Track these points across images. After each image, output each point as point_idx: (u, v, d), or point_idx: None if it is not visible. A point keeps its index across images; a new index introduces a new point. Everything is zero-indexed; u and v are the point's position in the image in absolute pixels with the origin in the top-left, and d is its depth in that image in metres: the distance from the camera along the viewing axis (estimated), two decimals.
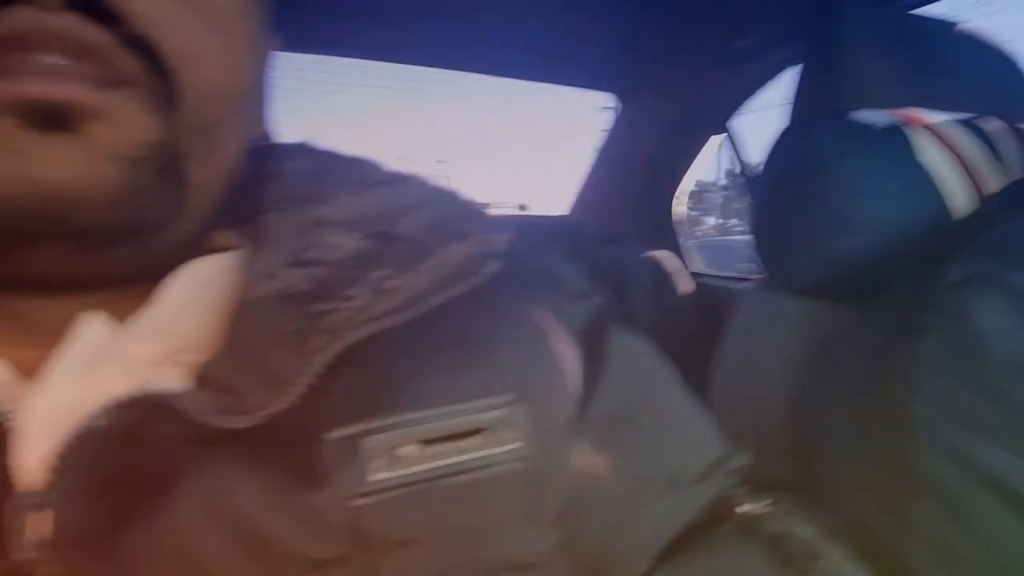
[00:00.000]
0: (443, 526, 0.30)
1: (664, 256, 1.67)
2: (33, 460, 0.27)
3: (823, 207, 0.77)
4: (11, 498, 0.26)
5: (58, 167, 0.26)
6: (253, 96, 0.37)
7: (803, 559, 0.36)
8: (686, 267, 1.66)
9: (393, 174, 0.41)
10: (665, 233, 1.75)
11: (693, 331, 1.58)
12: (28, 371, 0.30)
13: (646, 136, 1.60)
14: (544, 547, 0.32)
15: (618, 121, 1.64)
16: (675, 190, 1.69)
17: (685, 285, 1.65)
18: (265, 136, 0.42)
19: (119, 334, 0.31)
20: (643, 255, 1.66)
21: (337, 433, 0.30)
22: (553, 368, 0.36)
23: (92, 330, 0.31)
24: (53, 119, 0.26)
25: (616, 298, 1.71)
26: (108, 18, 0.27)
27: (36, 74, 0.26)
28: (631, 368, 0.40)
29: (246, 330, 0.31)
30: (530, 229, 1.72)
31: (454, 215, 0.39)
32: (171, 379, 0.30)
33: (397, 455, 0.30)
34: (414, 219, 0.37)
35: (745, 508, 0.38)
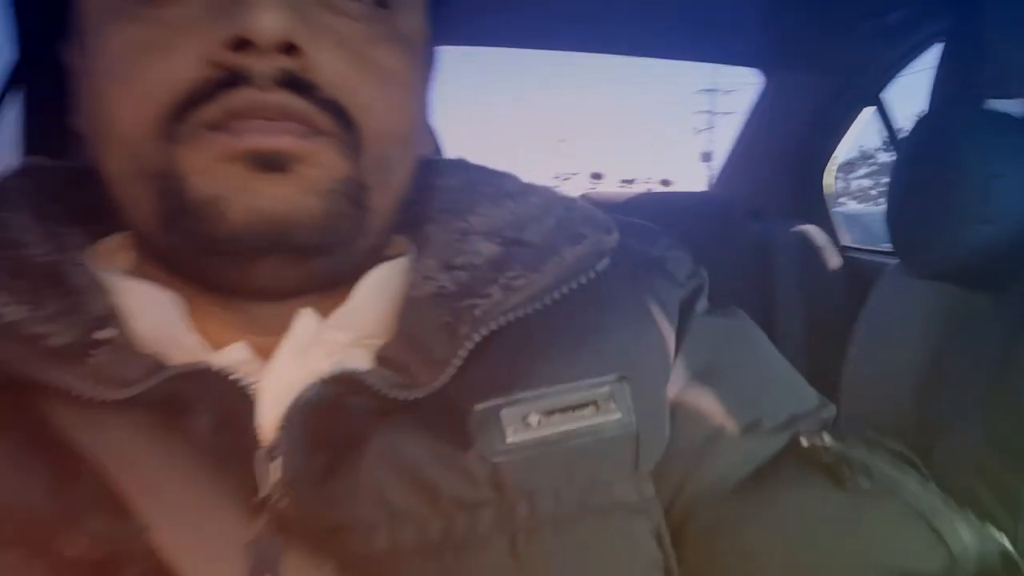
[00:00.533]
0: (562, 478, 0.37)
1: (811, 231, 1.66)
2: (268, 421, 0.36)
3: (957, 195, 0.78)
4: (258, 450, 0.35)
5: (277, 200, 0.35)
6: (419, 129, 0.45)
7: (857, 478, 0.40)
8: (837, 241, 1.64)
9: (524, 186, 0.48)
10: (815, 207, 1.72)
11: (840, 305, 1.57)
12: (263, 354, 0.39)
13: (794, 110, 1.59)
14: (645, 495, 0.39)
15: (763, 96, 1.64)
16: (825, 163, 1.67)
17: (833, 260, 1.63)
18: (432, 148, 0.51)
19: (322, 326, 0.40)
20: (790, 230, 1.66)
21: (481, 405, 0.37)
22: (654, 348, 0.42)
23: (304, 323, 0.39)
24: (272, 163, 0.35)
25: (760, 272, 1.72)
26: (307, 89, 0.35)
27: (258, 132, 0.34)
28: (715, 332, 0.45)
29: (411, 321, 0.40)
30: (675, 205, 1.77)
31: (572, 220, 0.45)
32: (359, 360, 0.39)
33: (527, 423, 0.37)
34: (539, 226, 0.44)
35: (808, 441, 0.42)
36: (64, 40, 0.43)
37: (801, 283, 1.63)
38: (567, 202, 0.47)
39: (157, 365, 0.36)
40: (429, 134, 0.50)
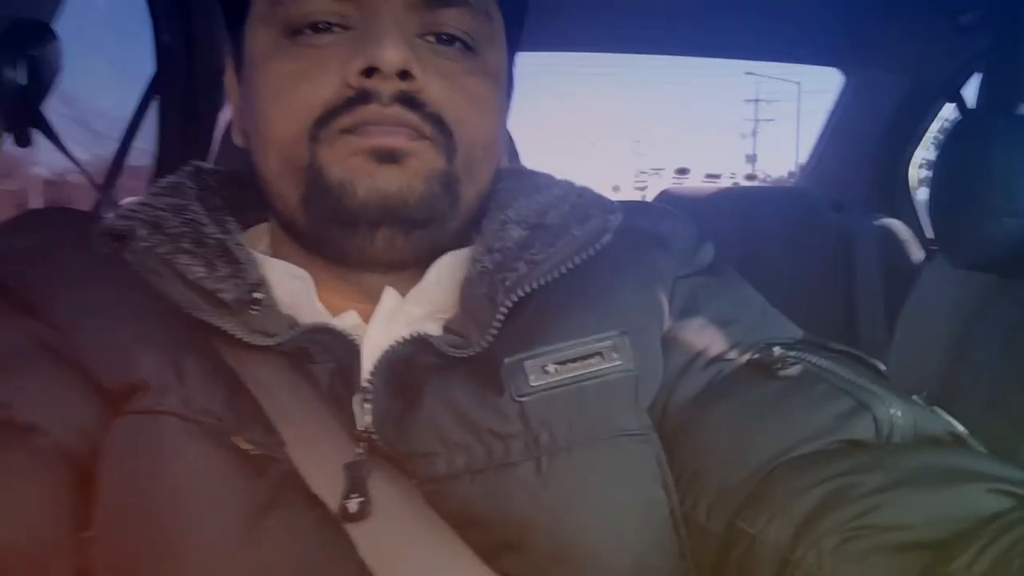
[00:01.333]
0: (574, 413, 0.46)
1: (895, 224, 1.69)
2: (365, 372, 0.47)
3: (990, 192, 0.86)
4: (355, 394, 0.47)
5: (391, 183, 0.48)
6: (500, 141, 0.57)
7: (787, 369, 0.49)
8: (923, 234, 1.66)
9: (551, 181, 0.59)
10: (900, 201, 1.75)
11: None
12: (366, 319, 0.52)
13: (874, 107, 1.63)
14: (644, 424, 0.49)
15: (844, 94, 1.69)
16: (909, 158, 1.70)
17: (916, 253, 1.66)
18: (507, 158, 0.64)
19: (402, 302, 0.53)
20: (874, 223, 1.70)
21: (510, 359, 0.48)
22: (650, 307, 0.52)
23: (390, 297, 0.52)
24: (388, 157, 0.48)
25: (843, 265, 1.76)
26: (417, 105, 0.49)
27: (380, 135, 0.48)
28: (701, 287, 0.55)
29: (466, 296, 0.51)
30: (760, 199, 1.83)
31: (582, 204, 0.56)
32: (432, 328, 0.51)
33: (545, 370, 0.47)
34: (556, 211, 0.55)
35: (759, 354, 0.51)
36: (194, 59, 0.59)
37: (884, 276, 1.66)
38: (580, 190, 0.58)
39: (293, 323, 0.49)
40: (506, 146, 0.63)
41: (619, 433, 0.47)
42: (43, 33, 0.77)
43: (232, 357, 0.48)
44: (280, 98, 0.50)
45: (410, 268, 0.54)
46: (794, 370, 0.49)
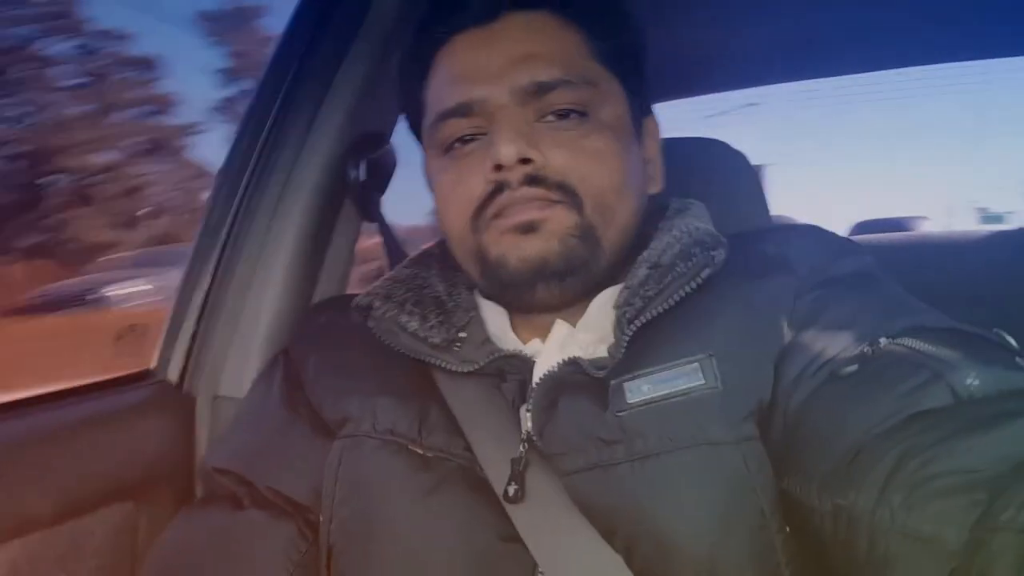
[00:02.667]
0: (664, 424, 0.55)
1: None
2: (533, 387, 0.61)
3: None
4: (523, 404, 0.61)
5: (533, 249, 0.62)
6: (633, 179, 0.66)
7: (873, 351, 0.54)
8: None
9: (673, 223, 0.67)
10: None
11: None
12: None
13: None
14: (733, 434, 0.54)
15: None
16: None
17: None
18: (661, 187, 0.73)
19: (573, 331, 0.65)
20: None
21: (614, 381, 0.58)
22: (755, 329, 0.59)
23: (559, 328, 0.66)
24: (528, 228, 0.62)
25: None
26: (541, 180, 0.61)
27: (517, 214, 0.62)
28: (820, 300, 0.60)
29: (615, 327, 0.62)
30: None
31: (690, 244, 0.64)
32: (601, 351, 0.63)
33: (641, 390, 0.57)
34: (670, 252, 0.63)
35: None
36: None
37: None
38: (693, 229, 0.66)
39: (491, 352, 0.64)
40: (651, 178, 0.72)
41: (703, 442, 0.55)
42: (380, 141, 1.00)
43: (444, 382, 0.66)
44: (447, 202, 0.66)
45: (581, 302, 0.66)
46: (884, 356, 0.54)
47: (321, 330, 0.77)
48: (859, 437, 0.50)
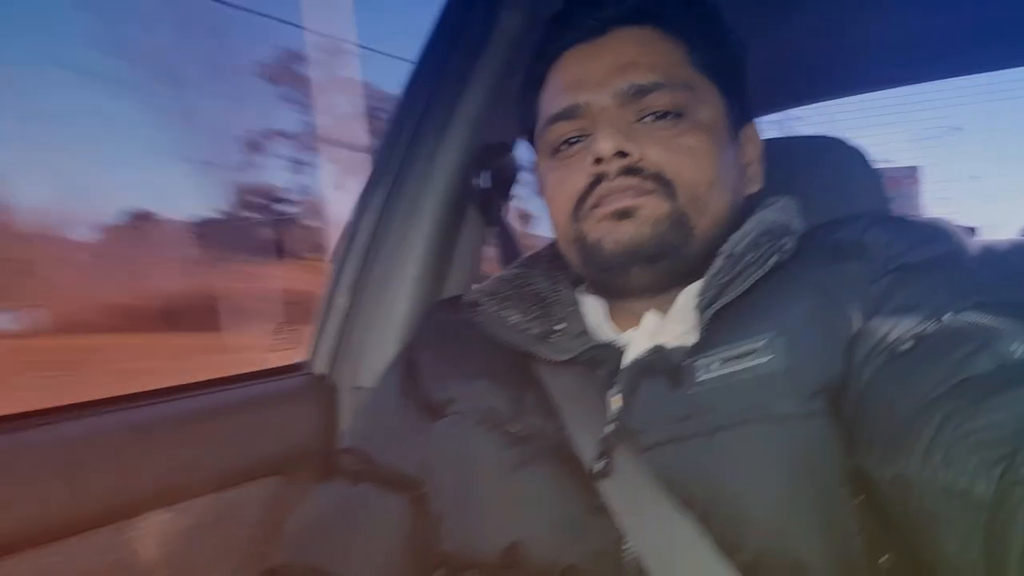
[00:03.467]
0: (731, 399, 0.59)
1: None
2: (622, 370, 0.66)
3: None
4: (614, 387, 0.66)
5: (628, 234, 0.66)
6: (726, 175, 0.69)
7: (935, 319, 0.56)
8: None
9: (751, 218, 0.70)
10: None
11: None
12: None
13: None
14: (799, 409, 0.57)
15: None
16: None
17: None
18: (758, 185, 0.76)
19: (667, 319, 0.69)
20: None
21: (686, 361, 0.63)
22: (823, 312, 0.61)
23: (648, 318, 0.70)
24: (623, 215, 0.66)
25: None
26: (637, 171, 0.66)
27: (614, 202, 0.67)
28: (896, 283, 0.61)
29: (695, 314, 0.66)
30: None
31: (759, 234, 0.67)
32: (690, 339, 0.66)
33: (710, 368, 0.61)
34: (742, 242, 0.67)
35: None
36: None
37: None
38: (763, 222, 0.69)
39: (586, 342, 0.70)
40: (750, 179, 0.76)
41: (768, 416, 0.58)
42: (503, 152, 1.06)
43: (542, 370, 0.71)
44: (554, 197, 0.72)
45: (672, 292, 0.70)
46: (941, 331, 0.56)
47: (436, 326, 0.85)
48: (911, 407, 0.52)
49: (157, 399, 0.88)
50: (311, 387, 1.03)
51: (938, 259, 0.63)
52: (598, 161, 0.66)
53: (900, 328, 0.58)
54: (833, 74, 1.45)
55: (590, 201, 0.68)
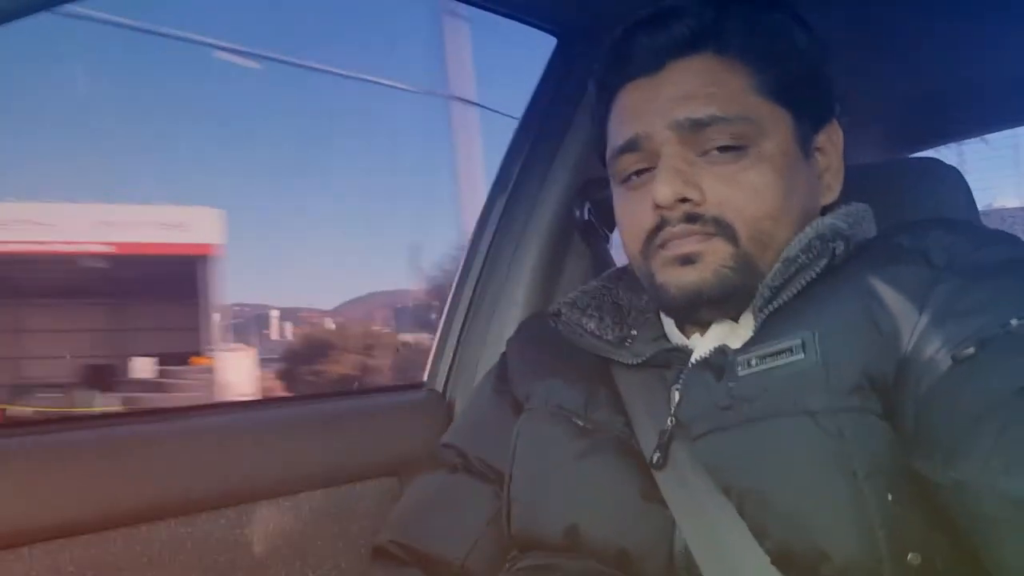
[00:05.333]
0: (769, 393, 0.62)
1: None
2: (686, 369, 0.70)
3: None
4: (677, 384, 0.70)
5: (690, 279, 0.69)
6: (792, 203, 0.70)
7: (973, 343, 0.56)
8: None
9: (804, 231, 0.70)
10: None
11: None
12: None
13: None
14: (834, 405, 0.59)
15: None
16: None
17: None
18: (835, 196, 0.75)
19: (733, 327, 0.72)
20: None
21: (730, 358, 0.66)
22: (872, 313, 0.62)
23: (719, 327, 0.72)
24: (687, 260, 0.69)
25: None
26: (698, 217, 0.68)
27: (677, 247, 0.69)
28: (954, 290, 0.60)
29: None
30: None
31: (812, 239, 0.67)
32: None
33: (750, 364, 0.64)
34: (796, 247, 0.68)
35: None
36: None
37: None
38: (818, 226, 0.69)
39: (658, 346, 0.74)
40: (827, 187, 0.76)
41: (801, 410, 0.60)
42: (604, 185, 1.13)
43: (618, 372, 0.76)
44: (624, 230, 0.77)
45: (729, 318, 0.73)
46: (1005, 338, 0.55)
47: (528, 334, 0.93)
48: (972, 413, 0.52)
49: (294, 402, 1.02)
50: (429, 401, 1.14)
51: (1003, 264, 0.62)
52: (659, 207, 0.68)
53: (962, 332, 0.57)
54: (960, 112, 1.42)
55: (657, 241, 0.70)
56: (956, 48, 1.24)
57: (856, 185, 0.93)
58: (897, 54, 1.27)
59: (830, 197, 0.75)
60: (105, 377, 10.99)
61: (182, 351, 11.55)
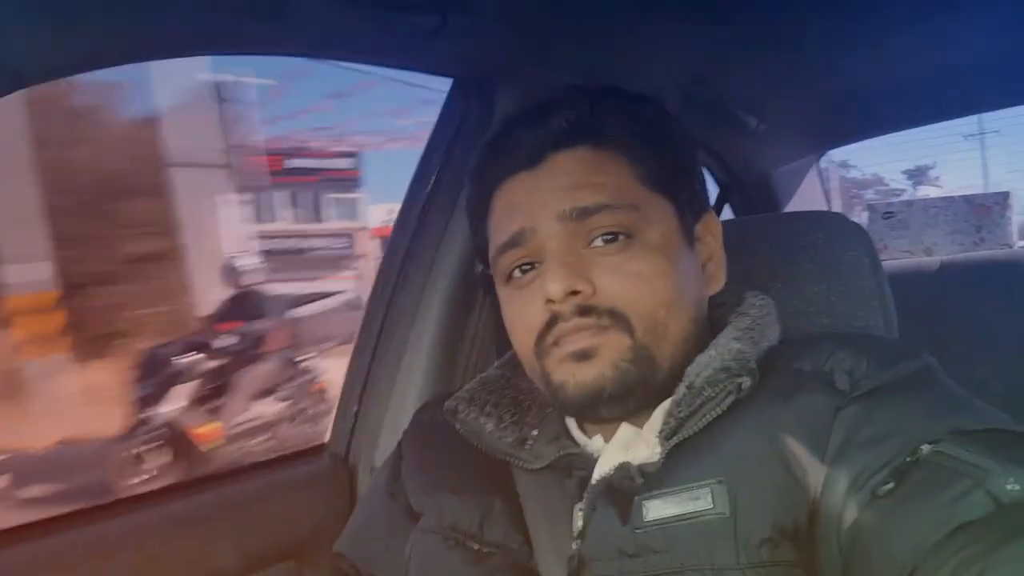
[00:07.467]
0: (677, 544, 0.58)
1: None
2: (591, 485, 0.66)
3: None
4: (579, 502, 0.65)
5: (588, 376, 0.65)
6: (686, 288, 0.68)
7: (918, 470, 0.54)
8: None
9: (716, 341, 0.67)
10: None
11: None
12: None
13: None
14: (742, 560, 0.56)
15: None
16: None
17: None
18: (721, 285, 0.74)
19: (638, 432, 0.68)
20: None
21: (638, 497, 0.61)
22: (777, 454, 0.59)
23: (625, 432, 0.68)
24: (583, 356, 0.65)
25: None
26: (591, 309, 0.64)
27: (571, 343, 0.65)
28: (861, 416, 0.59)
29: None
30: None
31: (719, 368, 0.64)
32: (655, 459, 0.64)
33: (657, 509, 0.60)
34: (704, 372, 0.64)
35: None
36: None
37: None
38: (724, 353, 0.65)
39: (560, 447, 0.70)
40: (711, 277, 0.74)
41: (708, 566, 0.57)
42: None
43: (519, 477, 0.72)
44: (513, 329, 0.72)
45: (645, 410, 0.69)
46: (923, 467, 0.53)
47: (422, 428, 0.86)
48: (909, 556, 0.50)
49: (176, 494, 0.96)
50: (331, 469, 1.09)
51: (906, 380, 0.61)
52: (550, 301, 0.65)
53: (875, 462, 0.55)
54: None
55: (549, 339, 0.67)
56: (878, 47, 1.24)
57: (757, 235, 0.91)
58: (816, 53, 1.25)
59: (715, 287, 0.74)
60: None
61: None
